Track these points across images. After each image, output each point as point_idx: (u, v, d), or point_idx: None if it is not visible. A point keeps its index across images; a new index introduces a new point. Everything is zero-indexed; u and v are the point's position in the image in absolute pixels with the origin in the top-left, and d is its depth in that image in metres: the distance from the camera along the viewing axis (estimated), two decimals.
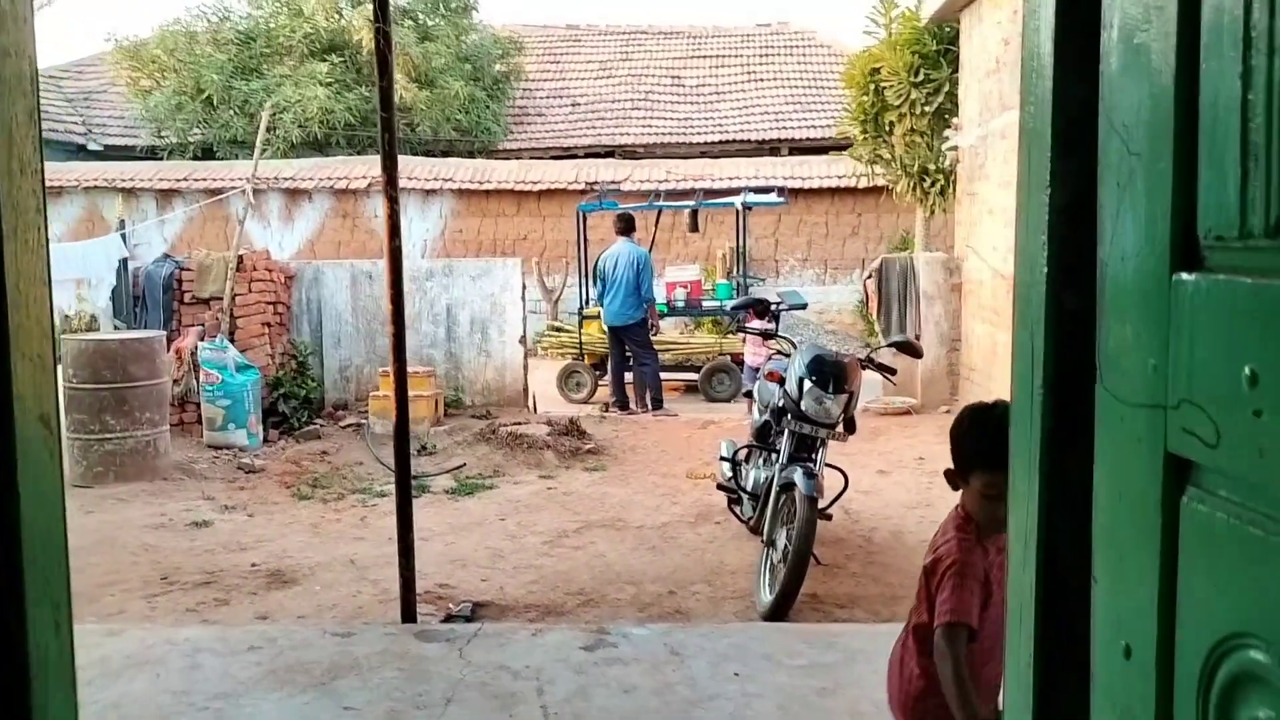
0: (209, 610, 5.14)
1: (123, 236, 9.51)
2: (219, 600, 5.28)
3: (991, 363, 9.19)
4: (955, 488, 2.58)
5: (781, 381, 5.44)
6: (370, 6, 18.20)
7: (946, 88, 10.71)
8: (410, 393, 9.19)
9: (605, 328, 10.87)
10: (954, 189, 10.92)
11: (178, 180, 16.27)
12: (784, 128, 19.30)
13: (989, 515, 2.42)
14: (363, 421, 9.29)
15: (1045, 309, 1.07)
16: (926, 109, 10.87)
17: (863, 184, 13.18)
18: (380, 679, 3.94)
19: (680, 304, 12.15)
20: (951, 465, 2.58)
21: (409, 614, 4.63)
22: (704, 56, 21.87)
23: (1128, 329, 0.93)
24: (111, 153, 19.02)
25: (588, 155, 18.79)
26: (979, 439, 2.47)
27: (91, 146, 19.34)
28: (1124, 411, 0.93)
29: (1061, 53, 1.03)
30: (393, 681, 3.95)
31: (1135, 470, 0.91)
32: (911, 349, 5.65)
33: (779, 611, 4.80)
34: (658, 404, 10.63)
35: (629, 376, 10.99)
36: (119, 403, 7.64)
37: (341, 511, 7.01)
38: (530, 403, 10.59)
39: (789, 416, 5.30)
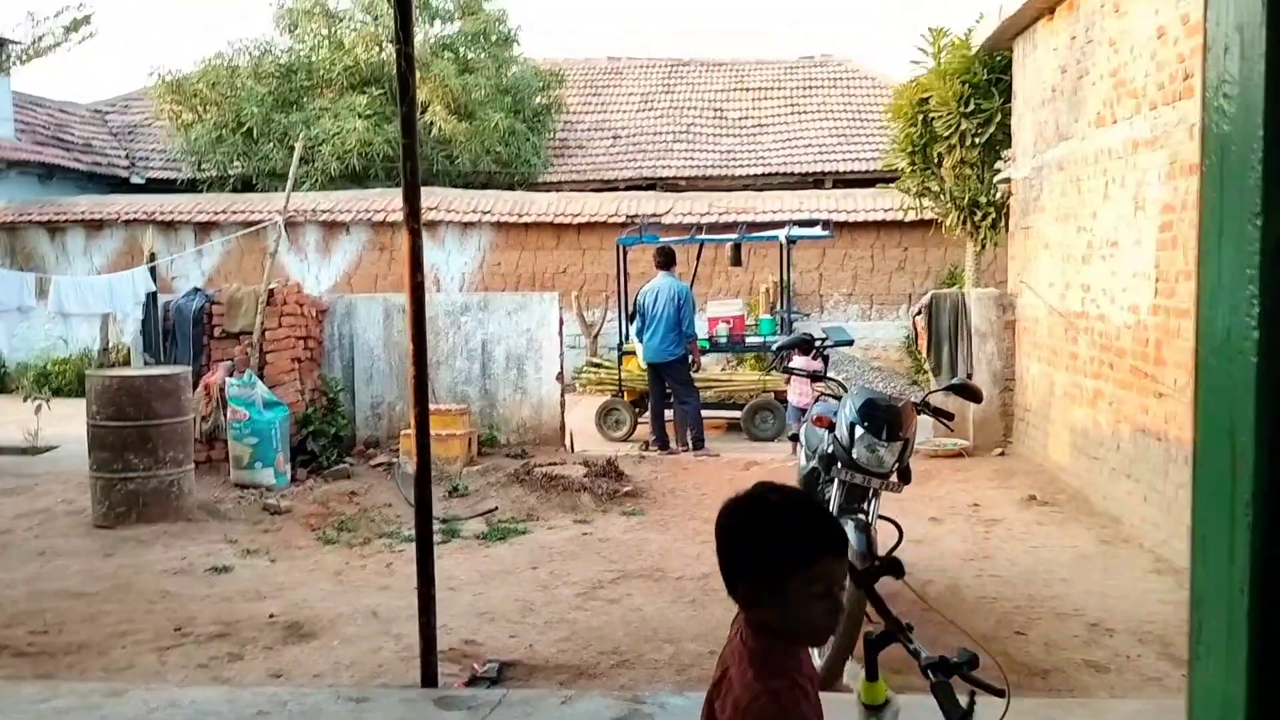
0: (221, 666, 4.85)
1: (152, 270, 9.33)
2: (233, 655, 4.99)
3: (1048, 403, 8.75)
4: (750, 607, 1.86)
5: (831, 427, 5.08)
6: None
7: (998, 118, 10.34)
8: (443, 431, 8.98)
9: (644, 364, 10.55)
10: (1006, 222, 10.53)
11: (216, 213, 16.24)
12: (828, 160, 18.97)
13: (813, 624, 1.82)
14: (394, 460, 9.03)
15: (1256, 387, 0.73)
16: (977, 140, 10.50)
17: (910, 217, 12.79)
18: None
19: (722, 340, 11.81)
20: (743, 582, 1.86)
21: (430, 676, 4.31)
22: (746, 89, 21.63)
23: None
24: (154, 186, 19.11)
25: (629, 188, 18.56)
26: (785, 531, 1.83)
27: (134, 180, 19.46)
28: None
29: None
30: None
31: None
32: (970, 392, 5.26)
33: (827, 680, 4.42)
34: (699, 443, 10.27)
35: (669, 414, 10.65)
36: (143, 441, 7.42)
37: (367, 557, 6.71)
38: (567, 441, 10.28)
39: (839, 465, 4.93)
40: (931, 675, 2.40)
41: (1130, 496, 6.86)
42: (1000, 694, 2.32)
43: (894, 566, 2.62)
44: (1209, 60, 0.83)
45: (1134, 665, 4.76)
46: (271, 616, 5.51)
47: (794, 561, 1.80)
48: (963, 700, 2.29)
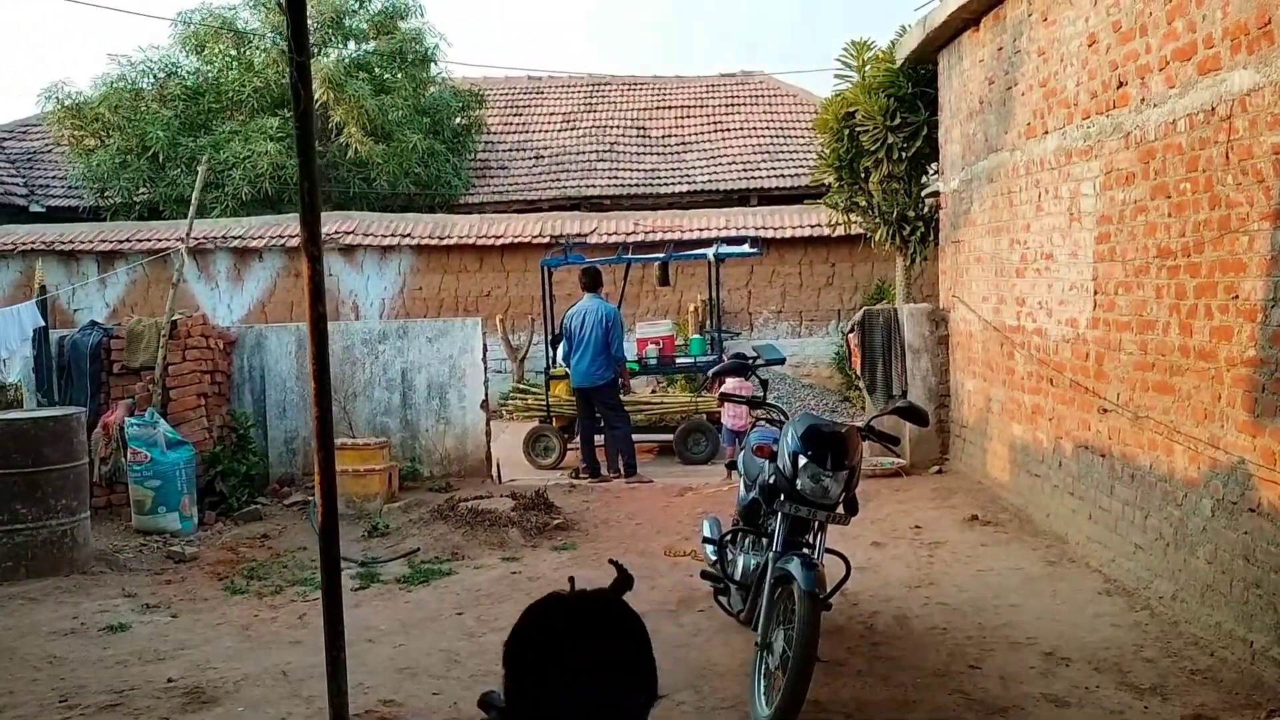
0: None
1: (41, 303, 8.73)
2: None
3: (986, 420, 8.59)
4: None
5: (772, 456, 4.79)
6: (322, 55, 17.67)
7: (924, 131, 10.22)
8: (361, 466, 8.51)
9: (573, 390, 10.20)
10: (935, 236, 10.41)
11: (120, 241, 15.49)
12: (752, 177, 18.86)
13: None
14: (309, 499, 8.53)
15: None
16: (904, 154, 10.36)
17: (838, 233, 12.65)
18: None
19: (652, 361, 11.52)
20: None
21: None
22: (669, 107, 21.47)
23: None
24: (55, 214, 18.23)
25: (552, 208, 18.23)
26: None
27: (34, 209, 18.53)
28: None
29: None
30: None
31: None
32: (916, 414, 5.01)
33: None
34: (631, 470, 9.95)
35: (599, 440, 10.31)
36: (31, 489, 6.84)
37: (278, 608, 6.23)
38: (494, 472, 9.88)
39: (782, 497, 4.63)
40: None
41: (1075, 515, 6.68)
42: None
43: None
44: None
45: (1094, 698, 4.54)
46: (170, 681, 5.02)
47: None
48: None
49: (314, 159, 3.68)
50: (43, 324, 8.46)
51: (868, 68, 10.81)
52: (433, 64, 19.76)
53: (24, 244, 15.44)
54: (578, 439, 10.55)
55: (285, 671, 5.07)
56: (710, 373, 6.29)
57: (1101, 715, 4.36)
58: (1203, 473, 5.05)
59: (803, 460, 4.53)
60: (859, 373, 10.02)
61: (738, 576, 5.13)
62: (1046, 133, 7.11)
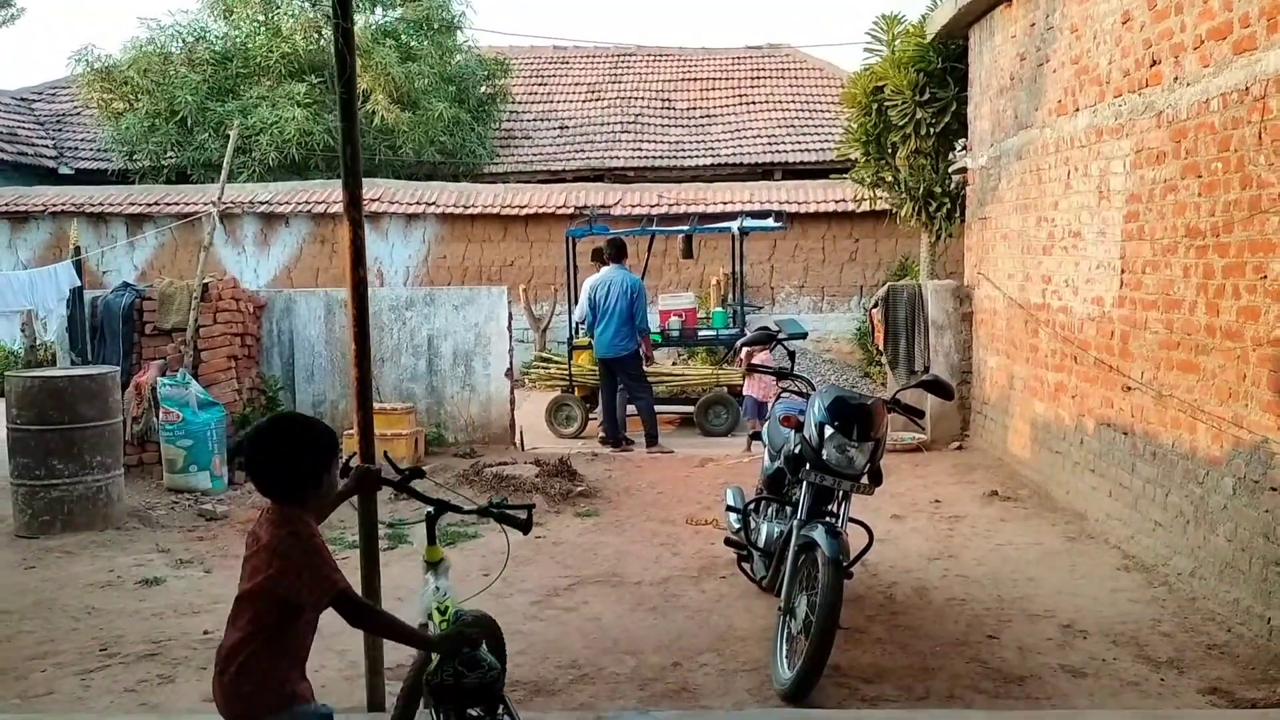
0: (149, 690, 4.51)
1: (77, 264, 8.85)
2: (163, 677, 4.64)
3: (1008, 397, 8.63)
4: (287, 500, 2.69)
5: (798, 426, 4.86)
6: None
7: (954, 107, 10.20)
8: (388, 431, 8.62)
9: (596, 360, 10.27)
10: (961, 213, 10.41)
11: (148, 204, 15.64)
12: (777, 151, 18.83)
13: (321, 512, 2.86)
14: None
15: None
16: (932, 129, 10.35)
17: (864, 208, 12.64)
18: None
19: (674, 333, 11.58)
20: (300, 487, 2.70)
21: (376, 700, 4.02)
22: (694, 79, 21.42)
23: None
24: (83, 177, 18.40)
25: (576, 179, 18.26)
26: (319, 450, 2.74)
27: (63, 171, 18.72)
28: None
29: None
30: None
31: None
32: (941, 388, 5.06)
33: (801, 691, 4.20)
34: (652, 440, 10.04)
35: (630, 410, 10.38)
36: (67, 445, 6.99)
37: None
38: (517, 439, 9.98)
39: (807, 466, 4.71)
40: (492, 512, 3.27)
41: (1095, 492, 6.73)
42: (524, 526, 3.24)
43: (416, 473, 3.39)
44: None
45: (1110, 669, 4.61)
46: (206, 633, 5.15)
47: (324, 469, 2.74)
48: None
49: (357, 125, 3.74)
50: (79, 284, 8.59)
51: (898, 42, 10.79)
52: (459, 32, 19.77)
53: (54, 205, 15.61)
54: (599, 409, 10.64)
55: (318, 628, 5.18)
56: (738, 344, 6.36)
57: (1118, 686, 4.43)
58: (1225, 451, 5.09)
59: (829, 431, 4.61)
60: (881, 348, 10.06)
61: (761, 544, 5.22)
62: (1078, 110, 7.11)
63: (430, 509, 3.26)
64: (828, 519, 4.68)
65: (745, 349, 7.68)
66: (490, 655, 2.79)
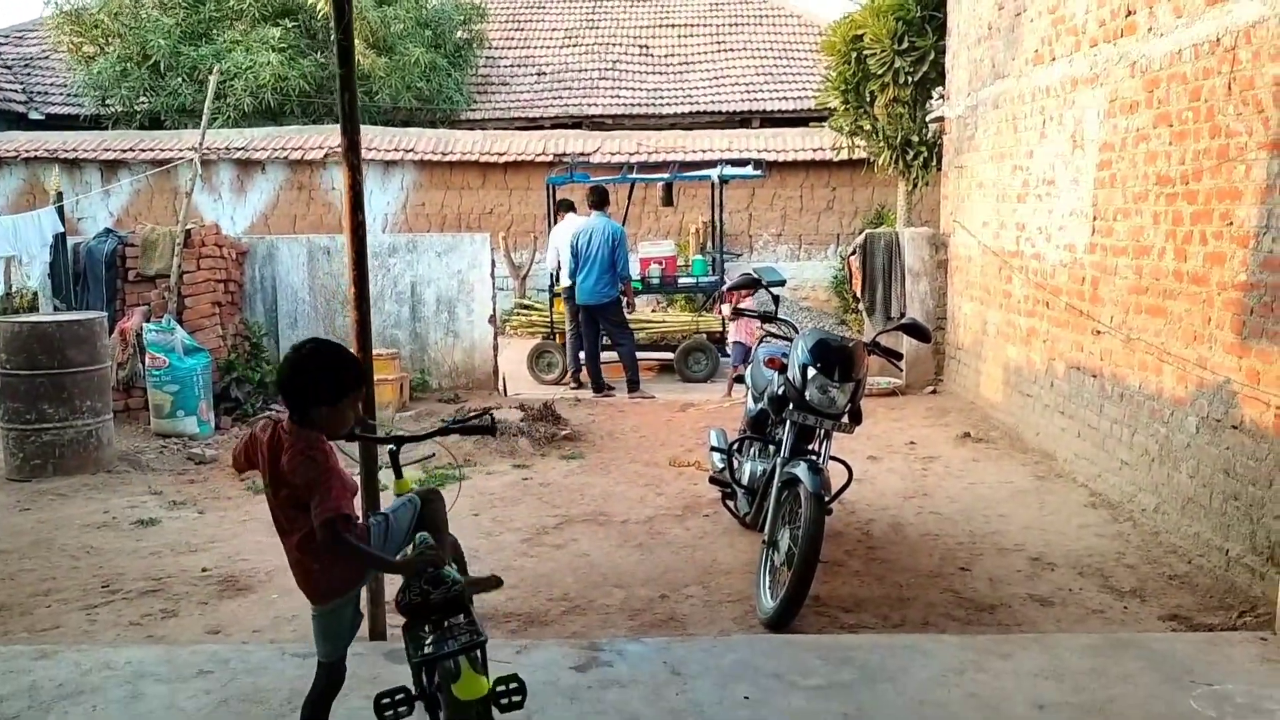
0: (155, 624, 4.65)
1: (59, 210, 8.84)
2: (166, 611, 4.79)
3: (981, 342, 8.84)
4: (305, 419, 2.96)
5: (782, 368, 5.02)
6: None
7: (932, 56, 10.30)
8: (374, 376, 8.73)
9: (579, 306, 10.38)
10: (938, 161, 10.54)
11: (123, 150, 15.50)
12: (755, 99, 18.82)
13: (335, 430, 3.02)
14: None
15: None
16: (911, 78, 10.45)
17: (841, 156, 12.75)
18: (346, 709, 3.46)
19: (655, 281, 11.70)
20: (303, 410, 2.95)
21: (378, 630, 4.17)
22: (671, 25, 21.30)
23: None
24: (54, 122, 18.15)
25: (554, 126, 18.21)
26: (320, 381, 2.96)
27: (33, 116, 18.44)
28: None
29: None
30: (361, 714, 3.48)
31: None
32: (919, 331, 5.25)
33: (784, 619, 4.41)
34: (634, 385, 10.20)
35: (609, 355, 10.54)
36: (57, 390, 7.07)
37: None
38: (500, 385, 10.12)
39: (791, 406, 4.88)
40: (453, 429, 3.55)
41: (1064, 433, 6.96)
42: (490, 429, 3.54)
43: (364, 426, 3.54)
44: None
45: (1077, 598, 4.84)
46: (205, 570, 5.31)
47: (328, 399, 2.96)
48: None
49: (354, 71, 3.82)
50: (61, 230, 8.60)
51: None
52: None
53: (27, 151, 15.44)
54: (581, 355, 10.77)
55: None
56: (724, 288, 6.50)
57: (1083, 614, 4.67)
58: (1190, 392, 5.30)
59: (812, 372, 4.77)
60: (859, 294, 10.23)
61: (745, 481, 5.41)
62: (1054, 60, 7.23)
63: (391, 445, 3.46)
64: (810, 457, 4.86)
65: (732, 294, 7.82)
66: (454, 572, 2.98)
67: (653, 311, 12.93)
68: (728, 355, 10.80)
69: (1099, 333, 6.39)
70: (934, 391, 9.79)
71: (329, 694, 3.13)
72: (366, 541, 3.07)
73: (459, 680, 2.73)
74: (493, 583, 3.11)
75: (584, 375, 10.51)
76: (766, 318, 5.52)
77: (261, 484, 3.13)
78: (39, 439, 7.07)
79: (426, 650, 2.82)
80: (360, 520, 3.12)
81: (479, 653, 2.80)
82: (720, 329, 11.18)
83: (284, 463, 2.93)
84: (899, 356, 5.31)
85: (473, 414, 3.66)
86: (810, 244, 15.55)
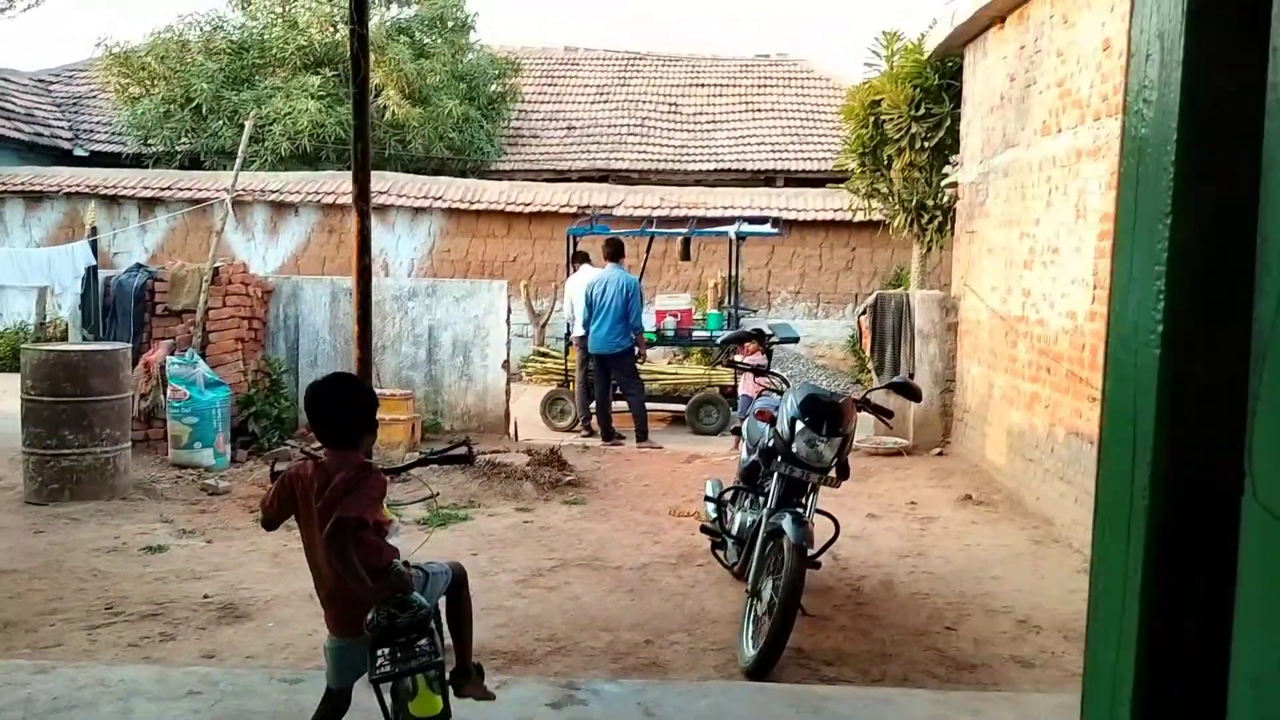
0: (153, 646, 4.79)
1: (93, 244, 9.15)
2: (165, 635, 4.93)
3: (987, 405, 8.91)
4: (355, 445, 3.27)
5: (772, 421, 5.14)
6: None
7: (948, 123, 10.50)
8: (386, 416, 8.90)
9: (591, 355, 10.55)
10: (952, 226, 10.70)
11: (161, 189, 15.95)
12: (780, 159, 19.11)
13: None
14: None
15: (1158, 382, 0.77)
16: (927, 144, 10.65)
17: (859, 218, 12.93)
18: None
19: (670, 333, 11.86)
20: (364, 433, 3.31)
21: None
22: (701, 85, 21.71)
23: None
24: (98, 159, 18.71)
25: (581, 179, 18.55)
26: (369, 410, 3.33)
27: (78, 152, 19.03)
28: None
29: (1199, 25, 0.74)
30: None
31: None
32: (910, 390, 5.36)
33: (763, 668, 4.49)
34: (642, 435, 10.32)
35: (619, 405, 10.67)
36: (78, 417, 7.29)
37: None
38: (511, 430, 10.27)
39: (779, 458, 5.00)
40: (432, 459, 3.87)
41: (1063, 498, 7.01)
42: (468, 458, 3.75)
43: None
44: (1132, 66, 0.88)
45: (1059, 661, 4.88)
46: (206, 597, 5.45)
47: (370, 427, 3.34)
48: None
49: (368, 122, 4.03)
50: (93, 263, 8.88)
51: (897, 57, 11.08)
52: (471, 31, 20.07)
53: (69, 186, 15.92)
54: (593, 404, 10.91)
55: (312, 595, 5.44)
56: (720, 340, 6.64)
57: (1063, 676, 4.71)
58: None
59: (799, 425, 4.89)
60: (869, 354, 10.34)
61: (734, 531, 5.51)
62: (1060, 131, 7.39)
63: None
64: (796, 510, 4.96)
65: (728, 344, 7.98)
66: (420, 597, 3.12)
67: (668, 363, 13.08)
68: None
69: (1096, 400, 6.47)
70: (941, 453, 9.85)
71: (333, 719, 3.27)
72: (407, 579, 3.13)
73: (415, 698, 2.87)
74: (486, 696, 3.45)
75: (595, 423, 10.65)
76: (758, 370, 5.65)
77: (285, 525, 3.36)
78: (58, 464, 7.28)
79: (385, 669, 2.95)
80: (387, 540, 3.31)
81: (436, 673, 2.95)
82: (733, 383, 11.30)
83: (338, 480, 3.09)
84: (890, 414, 5.42)
85: (450, 446, 3.84)
86: (828, 302, 15.69)
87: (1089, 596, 0.92)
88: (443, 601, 3.52)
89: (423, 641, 2.95)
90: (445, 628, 3.53)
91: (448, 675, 3.20)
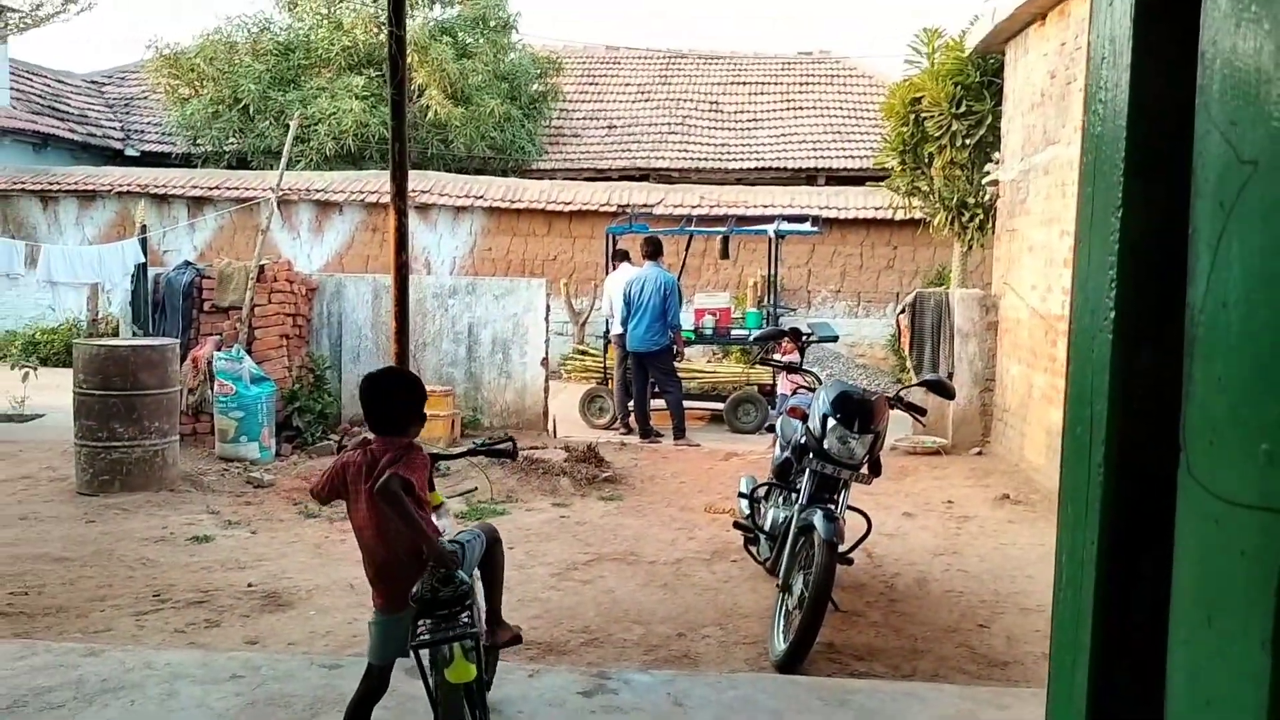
0: (198, 632, 4.94)
1: (142, 242, 9.38)
2: (210, 622, 5.08)
3: (1026, 405, 8.87)
4: (404, 433, 3.41)
5: (805, 418, 5.18)
6: (408, 16, 18.24)
7: (989, 120, 10.44)
8: (427, 411, 9.06)
9: (629, 353, 10.63)
10: (993, 224, 10.64)
11: (210, 188, 16.27)
12: (821, 157, 19.07)
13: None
14: None
15: (1111, 366, 0.82)
16: (967, 141, 10.60)
17: (899, 216, 12.89)
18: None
19: (708, 331, 11.90)
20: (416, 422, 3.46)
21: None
22: (743, 83, 21.71)
23: (1227, 399, 0.69)
24: (148, 159, 19.11)
25: (622, 178, 18.63)
26: (421, 402, 3.50)
27: (129, 152, 19.45)
28: (1220, 511, 0.69)
29: (1145, 31, 0.79)
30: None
31: (1234, 594, 0.67)
32: (943, 389, 5.37)
33: (792, 662, 4.53)
34: (679, 433, 10.38)
35: (658, 403, 10.74)
36: (128, 410, 7.49)
37: (347, 531, 6.71)
38: (550, 426, 10.37)
39: (811, 455, 5.04)
40: (480, 450, 3.99)
41: None
42: (511, 453, 3.90)
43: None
44: (1090, 68, 0.93)
45: None
46: (250, 586, 5.59)
47: (420, 419, 3.49)
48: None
49: (405, 123, 4.13)
50: (143, 260, 9.11)
51: (937, 55, 11.04)
52: (513, 30, 20.22)
53: (120, 186, 16.28)
54: (631, 401, 10.99)
55: (352, 584, 5.60)
56: (754, 337, 6.68)
57: None
58: None
59: (831, 422, 4.93)
60: (908, 353, 10.32)
61: (767, 527, 5.55)
62: None
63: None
64: (827, 506, 4.99)
65: (762, 341, 8.01)
66: (463, 573, 3.27)
67: (708, 362, 13.13)
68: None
69: None
70: (980, 453, 9.81)
71: (371, 699, 3.39)
72: (453, 557, 3.27)
73: (451, 665, 3.05)
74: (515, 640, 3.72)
75: (633, 421, 10.72)
76: (791, 368, 5.69)
77: (316, 511, 3.51)
78: (109, 456, 7.48)
79: (425, 636, 3.11)
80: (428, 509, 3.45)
81: (473, 643, 3.12)
82: (771, 381, 11.32)
83: (385, 460, 3.26)
84: (923, 412, 5.44)
85: (495, 440, 4.04)
86: (869, 301, 15.65)
87: (1054, 576, 0.97)
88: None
89: (463, 615, 3.09)
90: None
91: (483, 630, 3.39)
